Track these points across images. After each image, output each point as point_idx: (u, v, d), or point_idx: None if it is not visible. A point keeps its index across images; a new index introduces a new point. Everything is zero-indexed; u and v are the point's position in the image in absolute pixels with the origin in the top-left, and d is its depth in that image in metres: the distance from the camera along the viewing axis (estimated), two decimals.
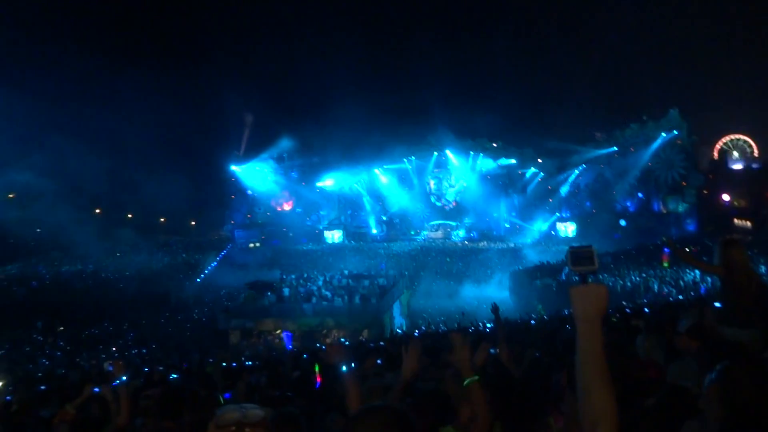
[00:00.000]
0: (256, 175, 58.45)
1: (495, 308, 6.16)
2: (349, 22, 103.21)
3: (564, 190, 53.91)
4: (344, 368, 2.82)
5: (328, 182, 58.29)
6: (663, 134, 49.55)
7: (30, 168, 57.27)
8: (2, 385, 9.11)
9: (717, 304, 5.44)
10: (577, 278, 1.80)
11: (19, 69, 74.84)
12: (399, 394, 2.97)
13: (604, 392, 1.60)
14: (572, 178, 53.46)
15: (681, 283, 27.51)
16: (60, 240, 49.03)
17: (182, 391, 4.73)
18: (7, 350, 26.71)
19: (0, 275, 39.62)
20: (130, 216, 62.51)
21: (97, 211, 61.61)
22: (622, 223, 50.67)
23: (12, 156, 55.48)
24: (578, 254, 1.81)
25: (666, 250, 7.27)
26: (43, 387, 10.74)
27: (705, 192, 49.80)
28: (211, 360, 12.25)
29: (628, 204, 51.60)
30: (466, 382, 2.66)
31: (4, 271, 40.16)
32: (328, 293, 29.40)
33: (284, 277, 36.42)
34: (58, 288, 39.31)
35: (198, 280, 45.49)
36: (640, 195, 51.15)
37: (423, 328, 26.70)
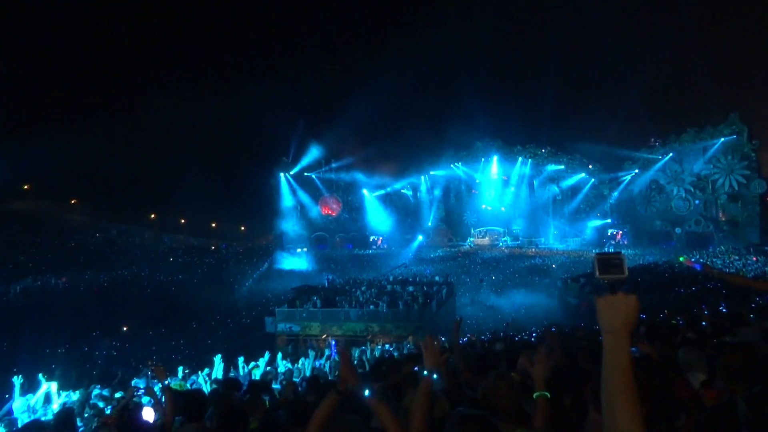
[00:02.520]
0: (304, 181, 59.32)
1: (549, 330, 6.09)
2: (398, 31, 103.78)
3: (615, 195, 52.54)
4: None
5: (372, 192, 58.82)
6: (722, 139, 47.64)
7: (89, 175, 59.96)
8: (58, 385, 9.52)
9: None
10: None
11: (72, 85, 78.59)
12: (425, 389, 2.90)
13: (630, 412, 1.47)
14: (624, 183, 52.06)
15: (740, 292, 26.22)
16: (117, 243, 50.94)
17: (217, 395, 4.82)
18: (67, 350, 27.81)
19: (62, 278, 41.31)
20: (183, 221, 64.45)
21: (152, 216, 63.78)
22: (677, 230, 48.96)
23: (73, 163, 58.25)
24: (606, 261, 1.64)
25: (697, 267, 6.80)
26: (98, 387, 11.17)
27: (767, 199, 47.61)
28: (256, 364, 12.47)
29: (684, 211, 49.76)
30: (535, 395, 2.86)
31: (66, 274, 41.88)
32: (373, 298, 29.46)
33: (330, 281, 36.74)
34: (116, 291, 40.64)
35: (246, 284, 46.34)
36: (696, 202, 49.25)
37: (468, 336, 26.34)
